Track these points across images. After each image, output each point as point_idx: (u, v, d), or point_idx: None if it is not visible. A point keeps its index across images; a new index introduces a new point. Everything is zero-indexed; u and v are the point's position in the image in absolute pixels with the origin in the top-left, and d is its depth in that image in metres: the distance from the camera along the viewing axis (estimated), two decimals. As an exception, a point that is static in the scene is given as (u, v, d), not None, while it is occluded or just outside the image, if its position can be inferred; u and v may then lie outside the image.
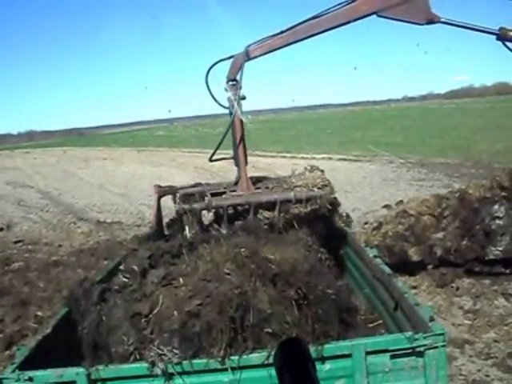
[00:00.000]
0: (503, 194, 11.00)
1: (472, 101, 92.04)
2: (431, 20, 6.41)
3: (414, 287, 10.00)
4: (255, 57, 6.88)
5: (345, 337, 4.15)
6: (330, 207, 6.95)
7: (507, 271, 10.22)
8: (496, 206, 10.89)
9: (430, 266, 10.48)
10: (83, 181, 30.84)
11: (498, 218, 10.81)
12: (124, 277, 4.97)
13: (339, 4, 6.54)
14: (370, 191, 20.08)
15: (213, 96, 7.15)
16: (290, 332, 3.88)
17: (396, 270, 9.94)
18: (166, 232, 8.30)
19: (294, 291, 4.11)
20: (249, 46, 6.89)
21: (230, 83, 6.93)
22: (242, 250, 4.53)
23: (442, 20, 6.45)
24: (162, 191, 8.26)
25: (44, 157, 54.53)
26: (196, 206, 7.06)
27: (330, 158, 31.43)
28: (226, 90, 6.96)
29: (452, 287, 10.00)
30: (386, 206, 14.72)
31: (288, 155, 33.83)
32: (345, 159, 31.02)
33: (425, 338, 3.62)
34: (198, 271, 4.45)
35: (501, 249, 10.55)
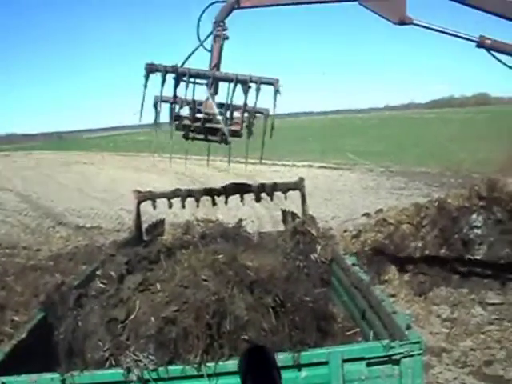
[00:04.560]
0: (481, 203, 11.12)
1: (452, 111, 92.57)
2: (403, 21, 6.66)
3: (393, 295, 10.02)
4: (245, 7, 7.10)
5: (322, 344, 4.16)
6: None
7: (484, 280, 10.29)
8: (474, 216, 11.00)
9: (408, 275, 10.51)
10: (63, 185, 30.61)
11: (476, 227, 10.92)
12: (101, 282, 4.95)
13: None
14: (349, 199, 20.15)
15: (199, 38, 7.12)
16: (267, 339, 3.87)
17: (374, 279, 10.11)
18: (145, 237, 8.29)
19: (272, 298, 4.11)
20: None
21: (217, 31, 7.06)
22: (220, 256, 4.53)
23: (415, 22, 6.69)
24: (142, 197, 8.24)
25: (24, 160, 54.04)
26: None
27: (311, 166, 31.52)
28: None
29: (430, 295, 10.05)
30: (366, 215, 14.75)
31: (269, 162, 33.79)
32: (325, 167, 31.12)
33: (401, 346, 3.62)
34: (176, 277, 4.43)
35: (479, 258, 10.64)
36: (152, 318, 4.02)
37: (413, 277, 10.45)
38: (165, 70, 6.64)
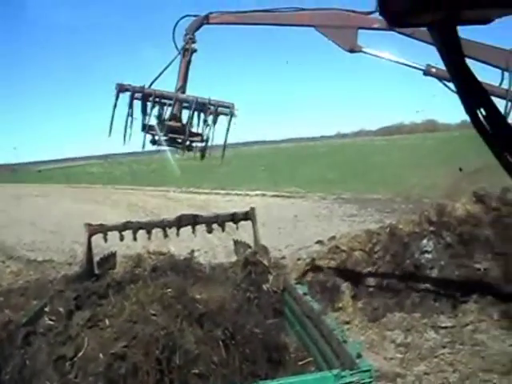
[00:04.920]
0: (431, 228, 11.30)
1: (402, 137, 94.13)
2: (353, 49, 7.40)
3: (347, 322, 10.06)
4: (213, 23, 7.97)
5: (273, 376, 4.14)
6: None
7: (436, 304, 10.42)
8: (425, 241, 11.17)
9: (362, 301, 10.57)
10: (14, 218, 30.06)
11: (427, 252, 11.08)
12: (49, 319, 4.86)
13: (292, 8, 7.64)
14: (302, 227, 20.23)
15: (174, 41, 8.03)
16: (218, 372, 3.85)
17: (328, 306, 10.15)
18: (97, 271, 8.19)
19: (221, 331, 4.09)
20: (211, 12, 7.96)
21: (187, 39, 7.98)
22: (169, 290, 4.50)
23: (364, 50, 7.46)
24: (93, 230, 8.18)
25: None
26: None
27: (264, 195, 31.62)
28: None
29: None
30: (319, 242, 14.83)
31: (222, 192, 33.84)
32: (278, 196, 31.24)
33: (351, 374, 3.63)
34: (124, 312, 4.39)
35: (430, 282, 10.78)
36: (101, 355, 3.96)
37: (366, 303, 10.52)
38: (133, 90, 7.48)
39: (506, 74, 7.27)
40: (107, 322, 4.32)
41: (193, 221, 8.36)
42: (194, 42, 8.05)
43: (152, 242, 8.73)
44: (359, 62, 7.97)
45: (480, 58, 7.06)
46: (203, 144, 7.95)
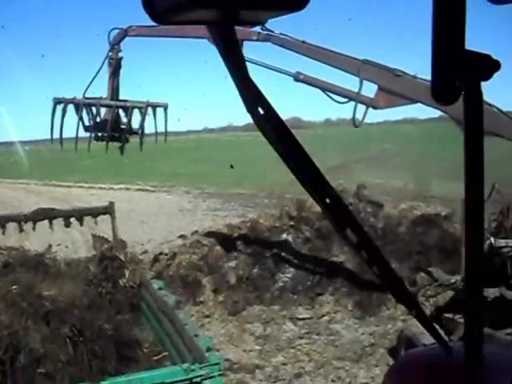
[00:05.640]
0: (291, 223, 11.56)
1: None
2: None
3: (208, 316, 10.11)
4: (132, 35, 9.14)
5: (124, 372, 4.06)
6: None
7: (295, 296, 10.68)
8: (284, 235, 11.41)
9: (222, 295, 10.64)
10: None
11: (287, 246, 11.32)
12: None
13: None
14: (166, 222, 20.05)
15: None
16: (65, 371, 3.72)
17: (189, 300, 10.14)
18: None
19: (69, 328, 3.95)
20: (130, 26, 9.09)
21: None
22: (14, 287, 4.30)
23: (247, 59, 7.37)
24: None
25: None
26: None
27: (128, 189, 31.07)
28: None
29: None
30: (182, 237, 14.75)
31: (85, 185, 32.88)
32: (142, 189, 30.84)
33: (201, 368, 3.63)
34: (-34, 312, 4.14)
35: (289, 276, 11.03)
36: None
37: (227, 297, 10.59)
38: (66, 102, 9.13)
39: None
40: None
41: (50, 215, 8.11)
42: (119, 51, 9.29)
43: (10, 236, 8.36)
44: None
45: (335, 65, 8.31)
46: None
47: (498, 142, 7.20)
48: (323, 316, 10.25)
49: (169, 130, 10.29)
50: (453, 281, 9.08)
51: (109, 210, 8.24)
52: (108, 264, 6.50)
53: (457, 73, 0.79)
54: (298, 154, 1.07)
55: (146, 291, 6.02)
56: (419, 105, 7.76)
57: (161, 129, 10.03)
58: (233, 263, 11.12)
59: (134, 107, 9.38)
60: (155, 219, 20.58)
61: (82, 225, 8.35)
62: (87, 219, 8.43)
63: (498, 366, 1.24)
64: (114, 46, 9.25)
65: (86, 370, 3.81)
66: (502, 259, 7.88)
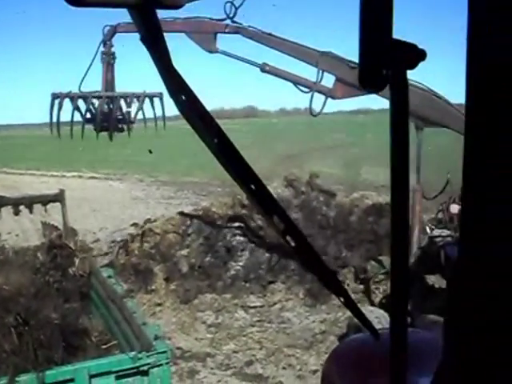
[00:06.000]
0: (244, 211, 11.58)
1: (221, 122, 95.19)
2: (212, 50, 9.31)
3: (159, 304, 10.10)
4: (121, 32, 9.68)
5: (71, 361, 4.04)
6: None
7: (247, 284, 10.74)
8: (236, 223, 11.44)
9: (174, 283, 10.63)
10: None
11: (239, 234, 11.36)
12: None
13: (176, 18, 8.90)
14: (118, 210, 19.89)
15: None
16: (10, 361, 3.67)
17: (141, 288, 10.11)
18: None
19: (13, 318, 3.90)
20: (119, 24, 9.57)
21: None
22: None
23: (220, 51, 9.30)
24: None
25: None
26: None
27: (81, 177, 30.73)
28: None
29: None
30: (134, 225, 14.66)
31: (37, 173, 32.36)
32: (95, 177, 30.52)
33: (148, 356, 3.63)
34: None
35: (241, 264, 11.08)
36: None
37: (179, 285, 10.59)
38: (62, 96, 9.67)
39: None
40: None
41: None
42: (111, 47, 9.93)
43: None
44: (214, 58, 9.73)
45: (296, 56, 8.76)
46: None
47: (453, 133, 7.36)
48: (275, 304, 10.34)
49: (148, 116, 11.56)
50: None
51: (59, 197, 8.11)
52: (57, 252, 6.42)
53: (383, 61, 0.81)
54: (222, 142, 1.08)
55: (96, 279, 5.98)
56: (374, 95, 7.92)
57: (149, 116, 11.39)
58: (185, 251, 11.11)
59: (121, 97, 10.22)
60: (107, 207, 20.40)
61: (31, 212, 8.19)
62: (38, 207, 8.29)
63: (425, 351, 1.28)
64: (106, 42, 9.83)
65: (31, 359, 3.77)
66: (437, 248, 8.11)
